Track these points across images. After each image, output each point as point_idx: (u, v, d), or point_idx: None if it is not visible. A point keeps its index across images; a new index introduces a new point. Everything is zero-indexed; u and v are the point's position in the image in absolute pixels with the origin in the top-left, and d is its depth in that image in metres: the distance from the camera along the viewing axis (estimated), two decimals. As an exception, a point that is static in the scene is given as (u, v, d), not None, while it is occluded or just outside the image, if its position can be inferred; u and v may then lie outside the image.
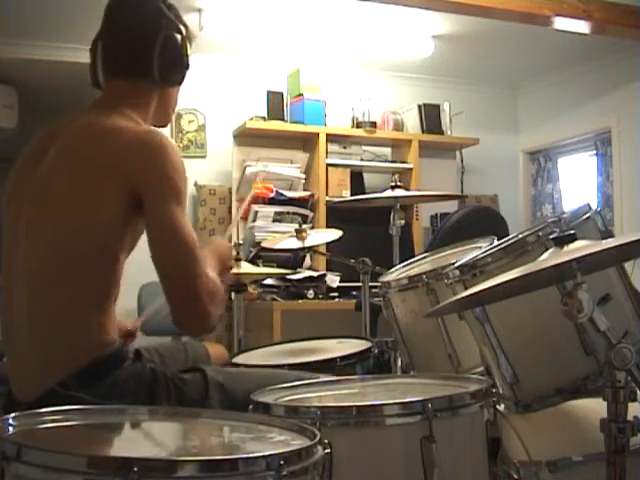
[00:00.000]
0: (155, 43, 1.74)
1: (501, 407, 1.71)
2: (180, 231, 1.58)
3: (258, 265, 4.08)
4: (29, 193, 1.67)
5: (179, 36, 1.78)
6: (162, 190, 1.60)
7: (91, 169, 1.62)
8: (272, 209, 4.67)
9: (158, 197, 1.60)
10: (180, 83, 1.85)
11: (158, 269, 1.58)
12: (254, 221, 4.65)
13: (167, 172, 1.61)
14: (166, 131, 1.77)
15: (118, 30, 1.78)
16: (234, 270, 2.90)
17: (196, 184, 4.87)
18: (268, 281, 4.35)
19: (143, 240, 1.69)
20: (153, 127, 1.74)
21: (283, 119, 4.82)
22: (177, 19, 1.80)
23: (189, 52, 1.82)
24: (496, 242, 2.12)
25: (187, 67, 1.82)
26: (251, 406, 1.45)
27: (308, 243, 3.07)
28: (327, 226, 4.54)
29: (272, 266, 4.13)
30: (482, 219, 4.14)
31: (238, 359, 2.42)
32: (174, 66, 1.79)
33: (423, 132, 5.15)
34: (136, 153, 1.62)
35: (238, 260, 2.98)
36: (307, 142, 4.96)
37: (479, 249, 2.05)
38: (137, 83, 1.77)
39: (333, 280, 4.44)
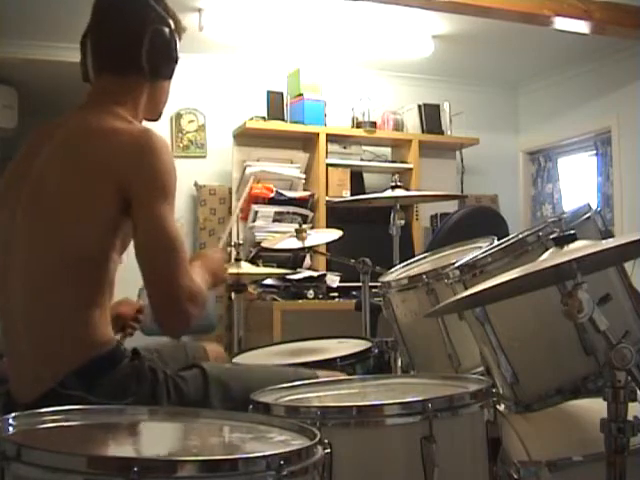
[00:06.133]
0: (143, 37, 1.73)
1: (501, 407, 1.71)
2: (166, 230, 1.57)
3: (258, 265, 4.08)
4: (23, 194, 1.67)
5: (167, 30, 1.77)
6: (150, 189, 1.59)
7: (83, 170, 1.63)
8: (272, 209, 4.67)
9: (146, 195, 1.59)
10: (170, 77, 1.83)
11: (141, 266, 1.57)
12: (254, 221, 4.65)
13: (156, 171, 1.61)
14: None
15: (105, 25, 1.78)
16: (234, 270, 2.90)
17: (196, 184, 4.87)
18: (268, 281, 4.35)
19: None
20: (146, 127, 1.73)
21: (283, 119, 4.82)
22: (166, 12, 1.79)
23: (178, 45, 1.80)
24: (496, 242, 2.12)
25: (176, 61, 1.80)
26: (251, 406, 1.45)
27: (308, 243, 3.07)
28: (327, 226, 4.53)
29: (272, 266, 4.13)
30: (482, 219, 4.14)
31: (238, 359, 2.42)
32: (163, 60, 1.78)
33: (423, 132, 5.15)
34: (126, 153, 1.62)
35: (238, 260, 2.99)
36: (307, 142, 4.96)
37: (479, 249, 2.05)
38: (125, 78, 1.76)
39: (333, 280, 4.44)
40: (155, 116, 1.90)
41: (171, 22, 1.79)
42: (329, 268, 4.55)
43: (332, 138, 4.90)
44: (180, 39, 1.83)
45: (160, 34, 1.75)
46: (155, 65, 1.76)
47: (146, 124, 1.81)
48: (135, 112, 1.78)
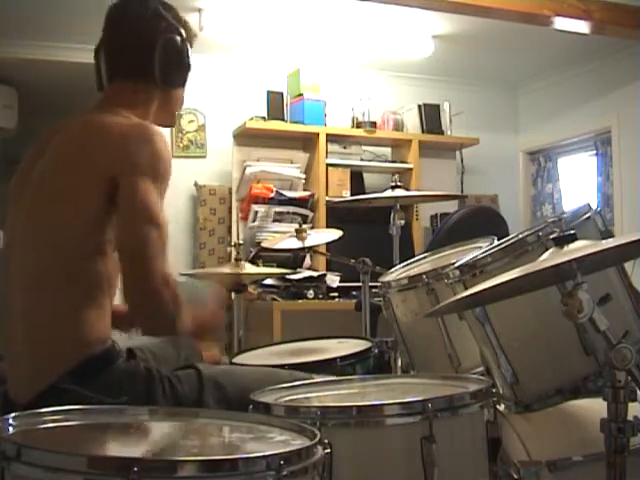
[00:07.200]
0: (155, 46, 1.75)
1: (501, 407, 1.71)
2: (148, 206, 1.57)
3: (258, 265, 4.08)
4: (25, 194, 1.68)
5: (179, 38, 1.79)
6: (136, 167, 1.59)
7: (77, 166, 1.63)
8: (272, 209, 4.67)
9: (131, 172, 1.59)
10: (183, 85, 1.85)
11: (117, 240, 1.58)
12: (254, 221, 4.65)
13: (144, 153, 1.61)
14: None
15: (117, 34, 1.80)
16: (234, 270, 2.90)
17: (196, 184, 4.87)
18: (268, 281, 4.35)
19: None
20: (144, 122, 1.73)
21: (283, 119, 4.82)
22: (176, 20, 1.81)
23: (190, 54, 1.82)
24: (496, 242, 2.12)
25: (189, 69, 1.82)
26: (251, 406, 1.45)
27: (308, 243, 3.07)
28: (327, 226, 4.53)
29: (272, 266, 4.13)
30: (482, 219, 4.14)
31: (238, 359, 2.42)
32: (175, 68, 1.80)
33: (423, 132, 5.15)
34: (117, 143, 1.62)
35: (238, 260, 2.99)
36: (307, 142, 4.96)
37: (479, 249, 2.05)
38: (137, 85, 1.78)
39: (333, 280, 4.44)
40: (170, 123, 1.92)
41: (182, 31, 1.81)
42: (329, 268, 4.55)
43: (332, 138, 4.90)
44: (192, 46, 1.84)
45: (172, 43, 1.77)
46: (168, 74, 1.78)
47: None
48: (144, 117, 1.78)
